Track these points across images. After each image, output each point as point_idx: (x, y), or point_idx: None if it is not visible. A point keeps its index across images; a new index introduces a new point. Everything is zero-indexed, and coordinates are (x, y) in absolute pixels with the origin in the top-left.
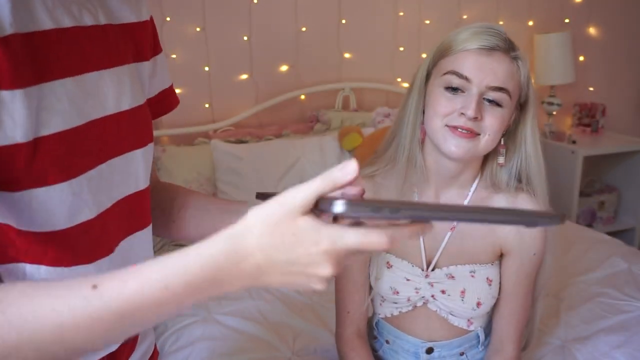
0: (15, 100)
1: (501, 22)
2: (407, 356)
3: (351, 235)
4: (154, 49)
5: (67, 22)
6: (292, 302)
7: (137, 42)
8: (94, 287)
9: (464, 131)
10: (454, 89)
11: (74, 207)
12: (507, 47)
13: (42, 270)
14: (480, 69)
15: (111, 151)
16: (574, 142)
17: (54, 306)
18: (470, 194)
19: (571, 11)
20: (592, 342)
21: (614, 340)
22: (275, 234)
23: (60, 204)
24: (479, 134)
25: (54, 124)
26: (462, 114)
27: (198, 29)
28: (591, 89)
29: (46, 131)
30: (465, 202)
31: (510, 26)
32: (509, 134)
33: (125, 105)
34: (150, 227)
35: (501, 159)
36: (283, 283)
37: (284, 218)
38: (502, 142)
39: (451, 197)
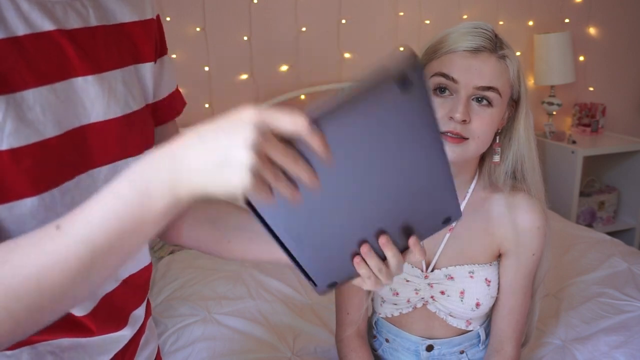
0: None
1: (501, 22)
2: (407, 354)
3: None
4: (161, 49)
5: (46, 26)
6: (292, 302)
7: (137, 43)
8: (58, 227)
9: (453, 136)
10: (442, 90)
11: (48, 221)
12: (494, 47)
13: None
14: (467, 71)
15: (94, 161)
16: (574, 142)
17: (26, 257)
18: (469, 195)
19: (571, 11)
20: (592, 342)
21: (614, 340)
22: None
23: (32, 220)
24: (467, 138)
25: (24, 136)
26: (451, 117)
27: (198, 29)
28: (591, 89)
29: (15, 143)
30: (463, 204)
31: (510, 26)
32: (504, 131)
33: (117, 112)
34: None
35: (496, 158)
36: (201, 155)
37: None
38: (497, 141)
39: None
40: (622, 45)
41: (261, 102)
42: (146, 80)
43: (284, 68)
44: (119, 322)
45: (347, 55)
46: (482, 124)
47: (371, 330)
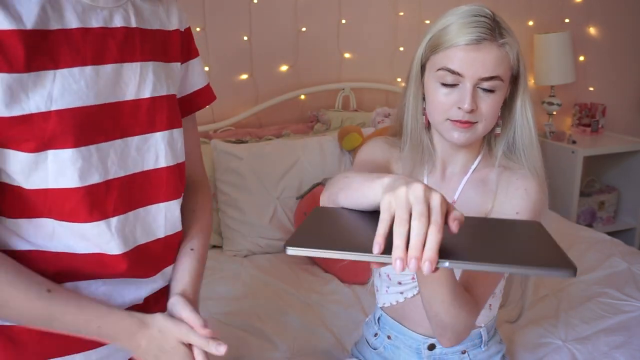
0: (29, 81)
1: None
2: (409, 352)
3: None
4: (188, 54)
5: (94, 23)
6: (292, 302)
7: (164, 45)
8: (49, 291)
9: (463, 122)
10: (449, 84)
11: (84, 170)
12: (494, 35)
13: (65, 224)
14: (471, 64)
15: (127, 131)
16: (574, 142)
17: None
18: (470, 172)
19: (571, 11)
20: (592, 342)
21: (614, 340)
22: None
23: (71, 165)
24: (476, 122)
25: (68, 101)
26: (459, 107)
27: (198, 29)
28: (591, 89)
29: (61, 105)
30: (464, 181)
31: (510, 26)
32: (505, 105)
33: (146, 94)
34: (177, 201)
35: (498, 130)
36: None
37: None
38: (499, 114)
39: (454, 172)
40: (622, 45)
41: (261, 102)
42: (175, 76)
43: (284, 68)
44: (149, 271)
45: (347, 55)
46: (489, 108)
47: (373, 328)
